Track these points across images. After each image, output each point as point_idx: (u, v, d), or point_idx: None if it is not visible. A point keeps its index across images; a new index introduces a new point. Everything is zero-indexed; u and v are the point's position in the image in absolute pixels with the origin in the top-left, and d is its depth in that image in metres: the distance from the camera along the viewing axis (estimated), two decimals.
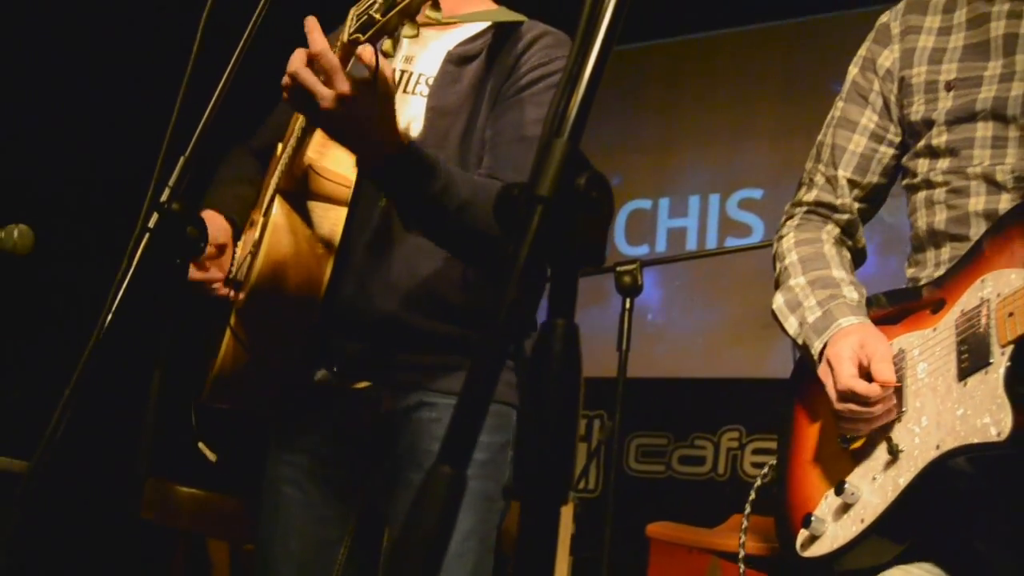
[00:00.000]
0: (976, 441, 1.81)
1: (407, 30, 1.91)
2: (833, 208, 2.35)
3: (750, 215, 6.15)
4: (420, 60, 2.51)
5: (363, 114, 1.97)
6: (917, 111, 2.23)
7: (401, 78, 2.46)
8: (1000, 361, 1.83)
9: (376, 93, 1.96)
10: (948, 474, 1.89)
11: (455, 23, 2.53)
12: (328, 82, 1.94)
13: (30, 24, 5.54)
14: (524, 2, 2.49)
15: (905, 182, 2.31)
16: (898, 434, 1.98)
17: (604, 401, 4.67)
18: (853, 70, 2.41)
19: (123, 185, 2.66)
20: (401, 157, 2.06)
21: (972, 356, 1.90)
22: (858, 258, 2.39)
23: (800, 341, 2.21)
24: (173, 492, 4.04)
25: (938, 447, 1.88)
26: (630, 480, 5.94)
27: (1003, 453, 1.79)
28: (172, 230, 2.04)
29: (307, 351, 2.36)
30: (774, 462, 2.39)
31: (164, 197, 2.04)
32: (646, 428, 5.97)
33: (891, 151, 2.33)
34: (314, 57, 1.94)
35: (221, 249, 2.39)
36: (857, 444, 2.08)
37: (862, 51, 2.40)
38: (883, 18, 2.39)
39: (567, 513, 4.25)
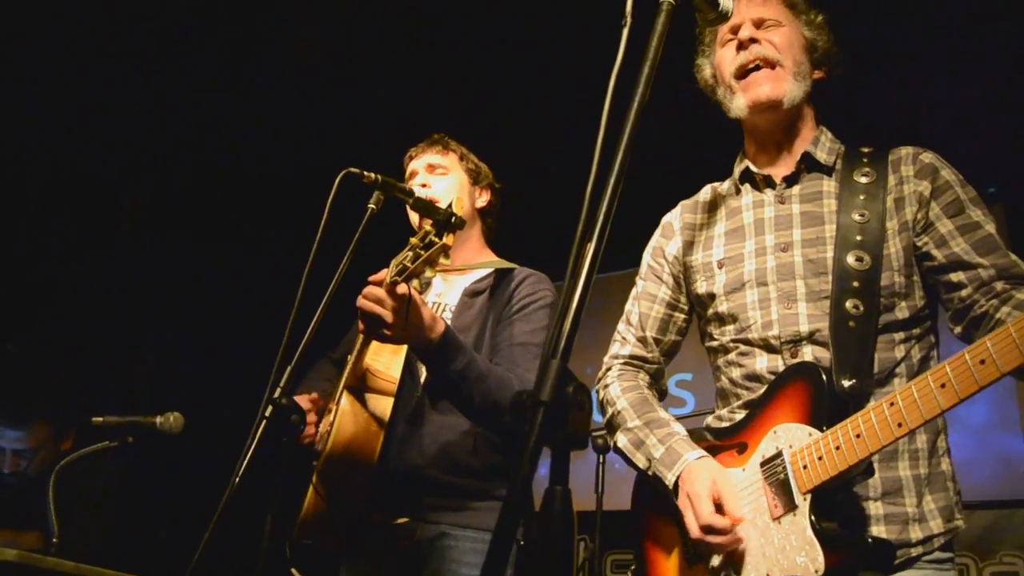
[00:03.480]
0: (798, 575, 1.67)
1: (428, 272, 2.01)
2: (645, 360, 2.20)
3: (684, 391, 6.09)
4: (446, 296, 2.66)
5: (404, 318, 2.07)
6: (700, 286, 2.10)
7: (435, 307, 2.62)
8: (804, 507, 1.70)
9: (411, 307, 2.08)
10: None
11: (470, 270, 2.65)
12: (381, 303, 2.06)
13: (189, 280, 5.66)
14: (516, 253, 2.61)
15: (707, 345, 2.13)
16: (736, 562, 1.79)
17: (587, 527, 4.57)
18: (647, 257, 2.27)
19: (247, 384, 2.69)
20: (438, 342, 2.17)
21: (781, 499, 1.75)
22: (662, 397, 2.20)
23: (651, 473, 1.97)
24: None
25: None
26: None
27: None
28: (281, 418, 2.09)
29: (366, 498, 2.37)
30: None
31: (276, 394, 2.09)
32: (618, 547, 5.79)
33: (683, 315, 2.20)
34: (373, 281, 2.09)
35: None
36: (701, 563, 1.89)
37: (652, 243, 2.27)
38: (666, 218, 2.28)
39: None
